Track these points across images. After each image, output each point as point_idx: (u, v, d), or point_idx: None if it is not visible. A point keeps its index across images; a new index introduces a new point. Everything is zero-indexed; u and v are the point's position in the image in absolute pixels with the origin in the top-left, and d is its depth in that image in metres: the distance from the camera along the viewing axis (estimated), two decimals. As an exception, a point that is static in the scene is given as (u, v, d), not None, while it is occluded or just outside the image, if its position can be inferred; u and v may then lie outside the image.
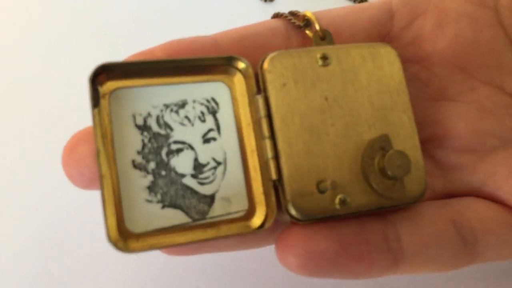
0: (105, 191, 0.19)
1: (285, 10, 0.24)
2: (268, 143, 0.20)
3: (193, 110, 0.21)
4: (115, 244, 0.18)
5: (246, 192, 0.21)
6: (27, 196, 0.29)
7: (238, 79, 0.21)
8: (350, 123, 0.21)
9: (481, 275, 0.27)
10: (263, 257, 0.27)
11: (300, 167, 0.20)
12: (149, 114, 0.20)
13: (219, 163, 0.21)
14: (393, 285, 0.27)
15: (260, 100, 0.20)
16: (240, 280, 0.27)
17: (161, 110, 0.20)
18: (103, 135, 0.19)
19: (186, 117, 0.21)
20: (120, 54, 0.21)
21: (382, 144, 0.20)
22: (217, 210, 0.20)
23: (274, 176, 0.20)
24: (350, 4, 0.38)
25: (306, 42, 0.23)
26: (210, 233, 0.20)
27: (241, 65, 0.21)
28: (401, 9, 0.24)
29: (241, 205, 0.20)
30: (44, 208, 0.29)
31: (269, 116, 0.20)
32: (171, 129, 0.20)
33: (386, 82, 0.22)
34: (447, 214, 0.21)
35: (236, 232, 0.20)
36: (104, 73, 0.19)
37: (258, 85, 0.21)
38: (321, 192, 0.20)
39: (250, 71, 0.21)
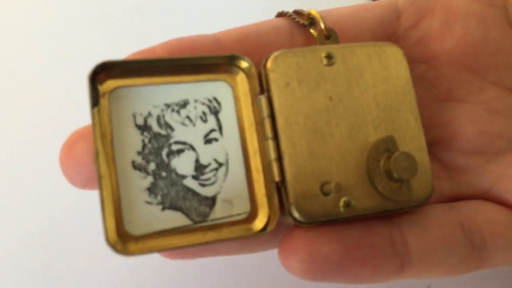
0: (104, 192, 0.18)
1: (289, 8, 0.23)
2: (271, 144, 0.20)
3: (194, 110, 0.20)
4: (113, 246, 0.18)
5: (248, 194, 0.20)
6: (26, 195, 0.29)
7: (241, 78, 0.21)
8: (355, 124, 0.20)
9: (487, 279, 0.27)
10: (265, 259, 0.27)
11: (304, 169, 0.19)
12: (149, 114, 0.20)
13: (220, 164, 0.20)
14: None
15: (263, 100, 0.20)
16: (241, 280, 0.27)
17: (162, 110, 0.20)
18: (103, 135, 0.19)
19: (188, 117, 0.20)
20: (122, 50, 0.21)
21: (387, 146, 0.20)
22: (219, 212, 0.20)
23: (277, 177, 0.20)
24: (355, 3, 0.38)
25: (310, 41, 0.23)
26: (211, 236, 0.19)
27: (244, 64, 0.21)
28: (407, 8, 0.24)
29: (243, 208, 0.20)
30: (42, 205, 0.29)
31: (272, 116, 0.20)
32: (172, 129, 0.20)
33: (392, 82, 0.21)
34: (455, 217, 0.21)
35: (237, 235, 0.20)
36: (103, 72, 0.19)
37: (261, 85, 0.21)
38: (325, 194, 0.19)
39: (253, 70, 0.21)
